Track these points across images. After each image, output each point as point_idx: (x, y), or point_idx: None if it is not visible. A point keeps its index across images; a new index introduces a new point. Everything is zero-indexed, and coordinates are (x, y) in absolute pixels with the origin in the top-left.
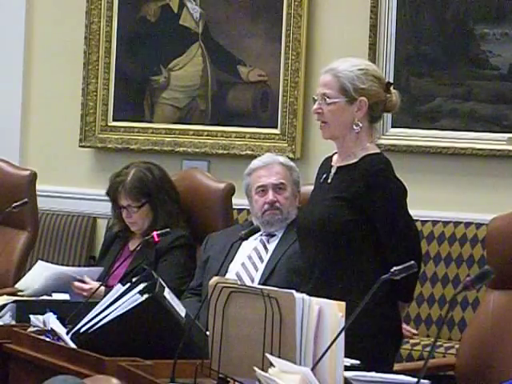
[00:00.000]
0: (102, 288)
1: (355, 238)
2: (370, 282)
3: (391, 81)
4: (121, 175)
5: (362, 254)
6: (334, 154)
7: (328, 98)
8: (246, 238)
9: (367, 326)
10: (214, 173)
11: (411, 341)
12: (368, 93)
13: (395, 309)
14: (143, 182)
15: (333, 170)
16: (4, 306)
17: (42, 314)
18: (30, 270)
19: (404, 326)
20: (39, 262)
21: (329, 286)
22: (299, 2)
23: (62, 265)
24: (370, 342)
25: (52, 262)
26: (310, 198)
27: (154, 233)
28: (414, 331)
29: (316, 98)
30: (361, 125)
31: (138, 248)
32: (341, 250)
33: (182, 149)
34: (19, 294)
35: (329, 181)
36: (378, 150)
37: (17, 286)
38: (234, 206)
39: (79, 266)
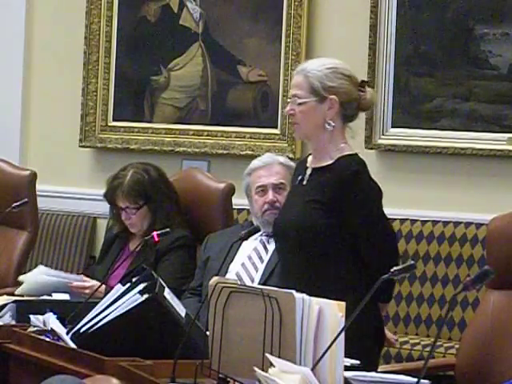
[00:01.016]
0: (103, 287)
1: (331, 240)
2: (348, 284)
3: (391, 81)
4: (118, 177)
5: (339, 256)
6: (309, 155)
7: (299, 98)
8: (245, 238)
9: (350, 328)
10: (214, 173)
11: (411, 341)
12: (338, 91)
13: (376, 309)
14: (141, 184)
15: (308, 172)
16: (4, 305)
17: (42, 314)
18: (29, 270)
19: (386, 332)
20: (40, 266)
21: (306, 289)
22: (299, 2)
23: (61, 268)
24: (354, 343)
25: (52, 262)
26: (286, 200)
27: (154, 233)
28: (395, 338)
29: (289, 99)
30: (333, 124)
31: (138, 248)
32: (317, 252)
33: (181, 149)
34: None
35: (304, 183)
36: (353, 151)
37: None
38: (234, 206)
39: (79, 265)
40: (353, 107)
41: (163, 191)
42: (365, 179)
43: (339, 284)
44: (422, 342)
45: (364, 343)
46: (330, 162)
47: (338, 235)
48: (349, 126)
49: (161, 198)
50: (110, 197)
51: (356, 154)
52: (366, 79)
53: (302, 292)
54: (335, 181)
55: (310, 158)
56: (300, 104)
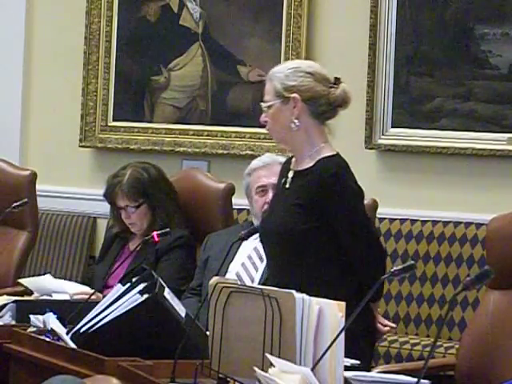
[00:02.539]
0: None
1: (315, 244)
2: (334, 286)
3: (391, 81)
4: (117, 176)
5: (324, 259)
6: (293, 156)
7: (266, 102)
8: (245, 238)
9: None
10: (214, 173)
11: (411, 341)
12: (299, 89)
13: (367, 308)
14: (140, 182)
15: (290, 175)
16: (4, 305)
17: (42, 314)
18: (30, 270)
19: (382, 320)
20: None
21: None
22: (299, 2)
23: (61, 268)
24: (345, 344)
25: (52, 262)
26: (271, 203)
27: (154, 233)
28: (392, 325)
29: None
30: (298, 123)
31: (138, 248)
32: (301, 256)
33: (181, 149)
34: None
35: (287, 186)
36: (333, 152)
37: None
38: (234, 206)
39: (79, 265)
40: (321, 103)
41: (163, 190)
42: (344, 181)
43: (325, 287)
44: (422, 342)
45: (354, 342)
46: (311, 164)
47: (321, 239)
48: (327, 126)
49: (160, 197)
50: (109, 196)
51: (336, 155)
52: (338, 76)
53: None
54: (315, 184)
55: (293, 160)
56: (268, 108)
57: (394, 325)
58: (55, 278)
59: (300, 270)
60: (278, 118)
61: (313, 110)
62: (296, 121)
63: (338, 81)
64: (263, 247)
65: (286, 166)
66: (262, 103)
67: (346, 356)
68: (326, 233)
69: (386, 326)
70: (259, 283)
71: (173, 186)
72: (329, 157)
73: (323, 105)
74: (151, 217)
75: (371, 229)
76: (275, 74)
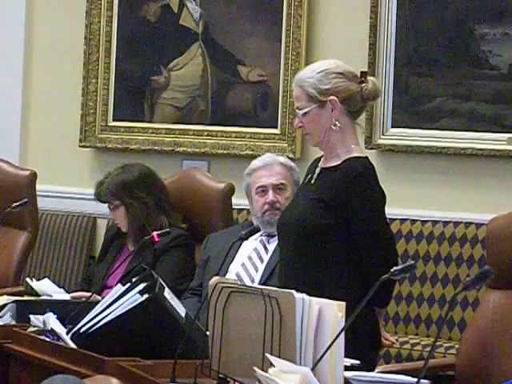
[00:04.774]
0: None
1: (331, 240)
2: (345, 285)
3: (391, 81)
4: (104, 178)
5: (338, 256)
6: (322, 156)
7: (300, 109)
8: (246, 238)
9: (347, 329)
10: (213, 173)
11: (411, 341)
12: (335, 90)
13: (372, 312)
14: (120, 184)
15: (317, 171)
16: (4, 305)
17: (42, 314)
18: (29, 270)
19: (384, 334)
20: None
21: (303, 287)
22: (299, 2)
23: (61, 268)
24: (349, 346)
25: (52, 262)
26: (294, 196)
27: (154, 233)
28: (393, 339)
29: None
30: (339, 124)
31: (137, 248)
32: (316, 251)
33: (181, 149)
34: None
35: (312, 181)
36: (362, 154)
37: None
38: (234, 206)
39: (79, 265)
40: (356, 101)
41: (144, 190)
42: (368, 182)
43: (337, 284)
44: (422, 342)
45: (360, 346)
46: (338, 162)
47: (338, 235)
48: (357, 124)
49: (141, 196)
50: (96, 197)
51: (365, 158)
52: (365, 70)
53: (299, 290)
54: (339, 181)
55: (322, 158)
56: (304, 114)
57: (394, 340)
58: (55, 278)
59: (311, 265)
60: (318, 122)
61: (349, 110)
62: (337, 122)
63: (365, 75)
64: (278, 239)
65: (314, 164)
66: (295, 108)
67: (349, 357)
68: (342, 232)
69: (386, 339)
70: (259, 283)
71: (163, 185)
72: (357, 157)
73: (357, 102)
74: (128, 217)
75: (388, 234)
76: (305, 80)
